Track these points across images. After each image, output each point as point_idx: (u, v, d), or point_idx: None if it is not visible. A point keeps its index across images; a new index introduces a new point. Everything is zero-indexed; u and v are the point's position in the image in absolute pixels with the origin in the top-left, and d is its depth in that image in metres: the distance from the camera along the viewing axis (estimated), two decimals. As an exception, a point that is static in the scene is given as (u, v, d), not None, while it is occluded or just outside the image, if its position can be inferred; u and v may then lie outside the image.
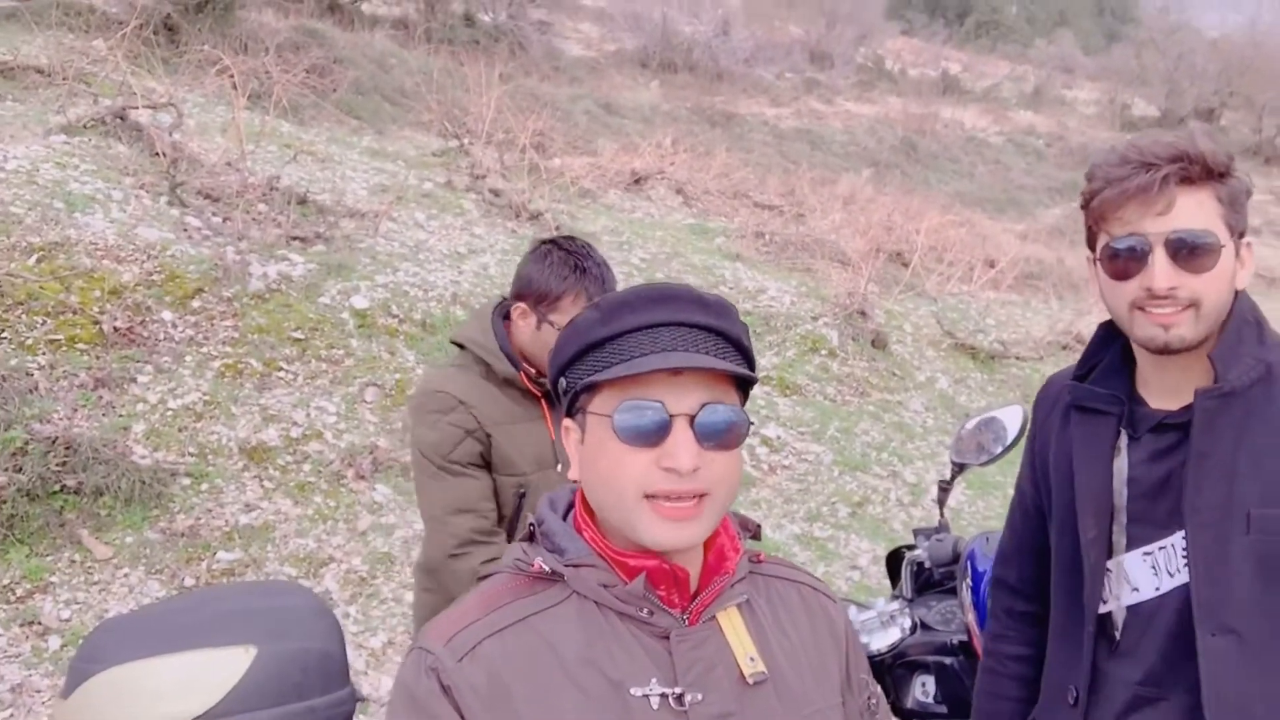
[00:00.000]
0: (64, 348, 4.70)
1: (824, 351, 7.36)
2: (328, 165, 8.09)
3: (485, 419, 2.19)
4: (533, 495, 2.23)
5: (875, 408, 6.96)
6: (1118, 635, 1.53)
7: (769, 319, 7.55)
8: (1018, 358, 8.60)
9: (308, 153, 8.06)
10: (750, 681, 1.09)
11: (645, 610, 1.08)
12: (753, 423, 1.12)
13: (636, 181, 10.94)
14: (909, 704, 2.49)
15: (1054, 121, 27.87)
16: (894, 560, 2.76)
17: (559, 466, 2.25)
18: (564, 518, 1.17)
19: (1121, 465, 1.51)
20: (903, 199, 13.36)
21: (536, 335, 2.19)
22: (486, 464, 2.22)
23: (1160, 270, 1.38)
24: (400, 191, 7.64)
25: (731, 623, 1.13)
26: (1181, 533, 1.44)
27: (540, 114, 11.02)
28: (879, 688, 1.29)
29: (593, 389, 1.09)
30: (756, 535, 1.25)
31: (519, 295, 2.21)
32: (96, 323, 4.84)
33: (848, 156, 18.64)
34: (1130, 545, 1.51)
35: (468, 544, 2.18)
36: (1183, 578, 1.45)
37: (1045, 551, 1.69)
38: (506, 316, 2.28)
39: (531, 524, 1.16)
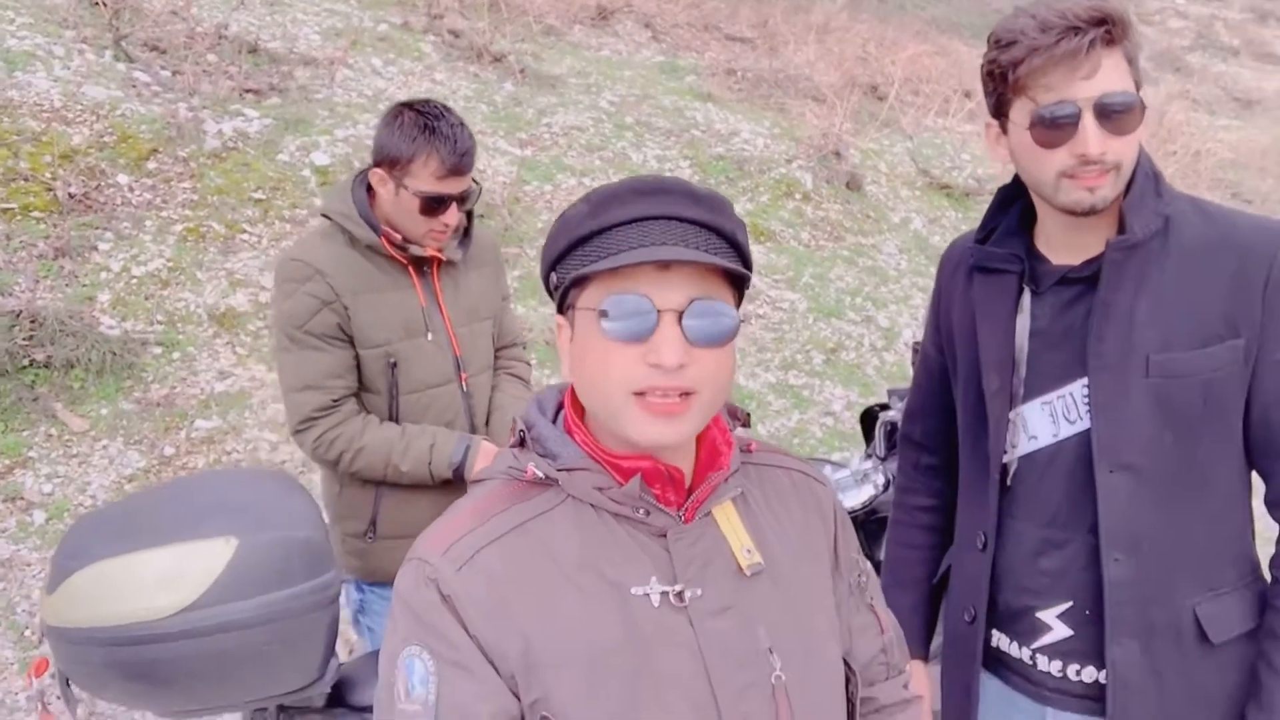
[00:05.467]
0: (19, 217, 4.56)
1: (798, 196, 7.25)
2: (277, 8, 7.69)
3: (343, 288, 2.17)
4: (404, 364, 2.23)
5: (849, 252, 6.93)
6: (1009, 482, 1.59)
7: (742, 163, 7.40)
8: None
9: (256, -5, 7.65)
10: (748, 573, 1.10)
11: (641, 510, 1.08)
12: (743, 320, 1.09)
13: (603, 15, 10.49)
14: (881, 557, 2.57)
15: (1035, -62, 26.83)
16: (868, 419, 2.81)
17: (429, 335, 2.25)
18: (554, 420, 1.15)
19: (1024, 320, 1.55)
20: (878, 27, 12.91)
21: (396, 202, 2.16)
22: (348, 337, 2.20)
23: (1093, 136, 1.37)
24: (355, 35, 7.31)
25: (727, 517, 1.13)
26: (1081, 381, 1.49)
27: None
28: (869, 564, 1.31)
29: (581, 284, 1.06)
30: (746, 423, 1.24)
31: (377, 162, 2.18)
32: (50, 189, 4.68)
33: (822, -18, 17.92)
34: (1029, 395, 1.55)
35: (307, 420, 2.20)
36: (1082, 424, 1.50)
37: (949, 409, 1.75)
38: (370, 186, 2.24)
39: (521, 429, 1.14)
